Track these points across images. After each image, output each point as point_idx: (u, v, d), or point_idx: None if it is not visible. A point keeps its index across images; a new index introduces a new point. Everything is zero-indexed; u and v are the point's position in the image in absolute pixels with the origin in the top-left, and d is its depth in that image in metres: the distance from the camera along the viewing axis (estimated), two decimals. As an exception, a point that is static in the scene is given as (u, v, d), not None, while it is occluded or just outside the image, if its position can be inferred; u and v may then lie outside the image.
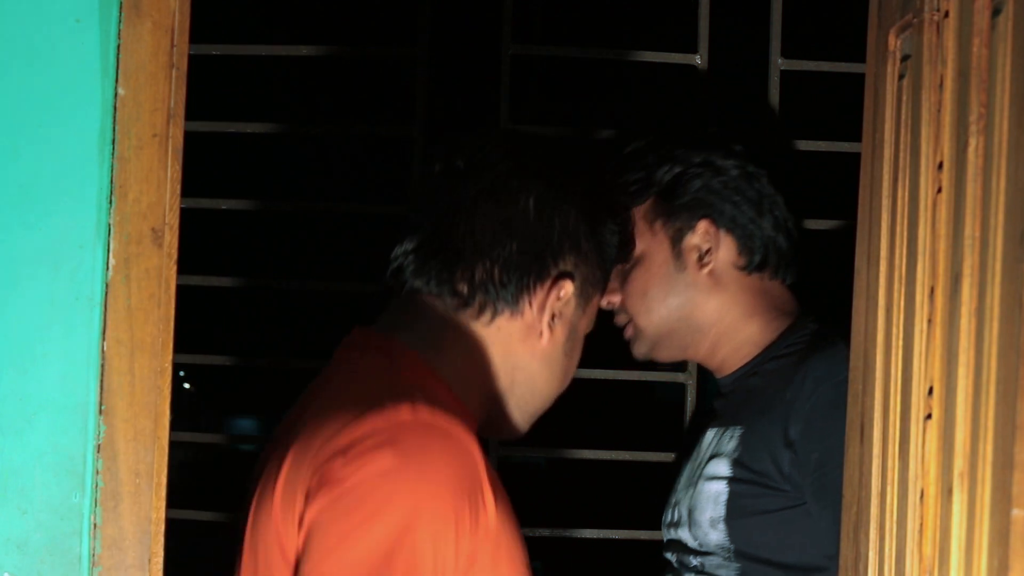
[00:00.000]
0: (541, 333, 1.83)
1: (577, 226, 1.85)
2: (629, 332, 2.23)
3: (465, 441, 1.64)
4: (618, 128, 3.01)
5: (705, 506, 2.13)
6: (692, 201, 2.17)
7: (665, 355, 2.25)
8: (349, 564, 1.57)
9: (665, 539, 2.29)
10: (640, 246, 2.19)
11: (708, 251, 2.17)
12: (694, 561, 2.17)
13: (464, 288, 1.82)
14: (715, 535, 2.12)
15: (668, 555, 2.27)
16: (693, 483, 2.18)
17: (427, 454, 1.61)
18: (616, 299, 2.21)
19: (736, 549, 2.10)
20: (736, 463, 2.12)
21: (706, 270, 2.17)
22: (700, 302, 2.18)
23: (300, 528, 1.64)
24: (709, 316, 2.19)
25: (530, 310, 1.82)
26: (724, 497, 2.12)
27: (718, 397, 2.27)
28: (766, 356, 2.18)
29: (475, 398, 1.83)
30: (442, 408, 1.66)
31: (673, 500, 2.26)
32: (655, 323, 2.19)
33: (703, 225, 2.17)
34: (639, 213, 2.20)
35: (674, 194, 2.18)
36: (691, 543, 2.17)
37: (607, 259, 1.90)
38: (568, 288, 1.83)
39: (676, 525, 2.21)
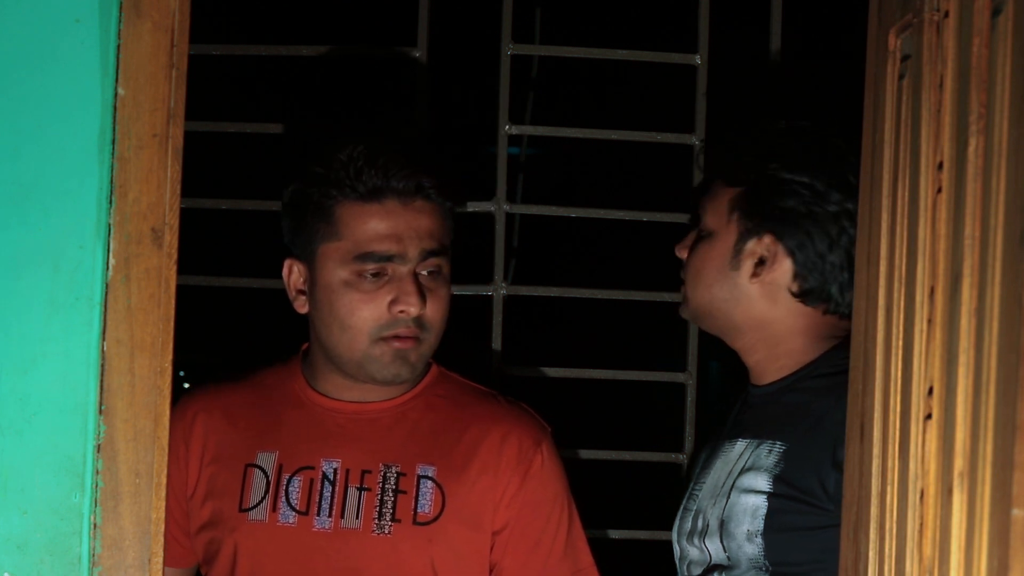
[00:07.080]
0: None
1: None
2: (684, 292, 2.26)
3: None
4: (618, 128, 3.01)
5: (742, 519, 2.11)
6: (772, 212, 2.15)
7: (706, 328, 2.29)
8: None
9: (679, 547, 2.26)
10: (714, 224, 2.19)
11: (763, 263, 2.17)
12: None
13: None
14: (750, 548, 2.10)
15: (683, 565, 2.23)
16: (724, 494, 2.15)
17: None
18: (682, 255, 2.24)
19: (770, 564, 2.09)
20: (778, 479, 2.10)
21: (757, 280, 2.17)
22: (745, 306, 2.18)
23: None
24: (749, 321, 2.18)
25: None
26: (763, 511, 2.10)
27: (745, 408, 2.25)
28: (807, 373, 2.16)
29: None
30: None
31: (693, 508, 2.22)
32: (697, 300, 2.21)
33: (768, 238, 2.16)
34: (727, 193, 2.19)
35: (761, 197, 2.16)
36: (718, 554, 2.14)
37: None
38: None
39: (700, 534, 2.18)
